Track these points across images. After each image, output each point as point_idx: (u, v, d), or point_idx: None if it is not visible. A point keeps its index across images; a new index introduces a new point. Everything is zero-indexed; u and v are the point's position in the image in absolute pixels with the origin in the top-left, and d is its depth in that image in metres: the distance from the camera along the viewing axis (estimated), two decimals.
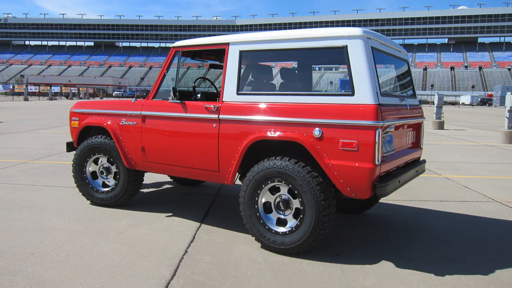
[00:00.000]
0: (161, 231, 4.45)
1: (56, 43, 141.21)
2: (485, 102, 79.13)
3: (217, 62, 5.57)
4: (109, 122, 5.06)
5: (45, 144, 11.06)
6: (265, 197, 4.00)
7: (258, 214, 3.99)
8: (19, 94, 66.75)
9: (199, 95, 4.66)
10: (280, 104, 3.90)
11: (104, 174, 5.28)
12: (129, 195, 5.21)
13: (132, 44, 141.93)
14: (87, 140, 5.26)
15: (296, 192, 3.76)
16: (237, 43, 4.22)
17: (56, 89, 77.82)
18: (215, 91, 5.58)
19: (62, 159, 8.75)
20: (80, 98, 69.72)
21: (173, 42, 4.91)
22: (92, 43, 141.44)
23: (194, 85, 4.75)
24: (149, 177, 6.84)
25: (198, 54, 5.13)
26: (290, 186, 3.79)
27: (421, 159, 4.97)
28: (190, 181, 6.49)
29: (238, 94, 4.15)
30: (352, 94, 3.58)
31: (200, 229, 4.55)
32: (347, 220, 4.99)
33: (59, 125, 16.71)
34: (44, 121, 18.80)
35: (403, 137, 4.40)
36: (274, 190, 3.97)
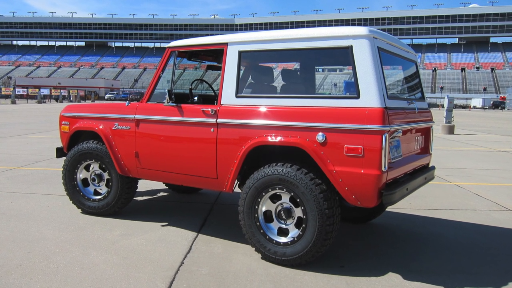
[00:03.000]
0: (156, 242, 4.45)
1: (45, 43, 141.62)
2: (498, 105, 79.28)
3: (215, 63, 5.59)
4: (101, 127, 5.07)
5: (34, 149, 11.06)
6: (265, 205, 4.00)
7: (258, 223, 4.00)
8: (6, 97, 66.95)
9: (196, 98, 4.67)
10: (281, 107, 3.91)
11: (96, 181, 5.28)
12: (122, 204, 5.21)
13: (126, 44, 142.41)
14: (78, 145, 5.26)
15: (298, 200, 3.77)
16: (236, 43, 4.24)
17: (45, 91, 77.90)
18: (213, 93, 5.59)
19: (51, 165, 8.75)
20: (71, 101, 69.78)
21: (169, 42, 4.93)
22: (83, 43, 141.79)
23: (191, 88, 4.77)
24: (143, 185, 6.85)
25: (195, 55, 5.15)
26: (292, 194, 3.80)
27: (430, 165, 4.97)
28: (186, 188, 6.49)
29: (237, 97, 4.16)
30: (358, 97, 3.60)
31: (197, 239, 4.55)
32: (352, 230, 4.99)
33: (48, 130, 16.73)
34: (33, 126, 18.81)
35: (411, 142, 4.41)
36: (275, 198, 3.98)
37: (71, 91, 78.81)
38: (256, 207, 3.99)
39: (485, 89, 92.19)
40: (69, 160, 5.28)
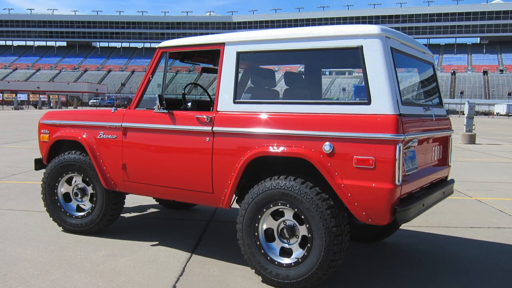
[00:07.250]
0: (145, 263, 4.45)
1: (22, 43, 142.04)
2: None
3: (211, 66, 5.61)
4: (84, 136, 5.09)
5: (10, 161, 11.08)
6: (266, 223, 4.01)
7: (258, 242, 4.00)
8: None
9: (189, 104, 4.69)
10: (284, 114, 3.93)
11: (79, 196, 5.28)
12: (108, 221, 5.21)
13: (112, 44, 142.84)
14: (58, 156, 5.27)
15: (303, 217, 3.77)
16: (234, 43, 4.27)
17: (22, 96, 78.24)
18: (208, 99, 5.62)
19: (29, 178, 8.76)
20: (51, 108, 69.92)
21: (159, 42, 4.96)
22: (64, 43, 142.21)
23: (184, 92, 4.79)
24: (131, 200, 6.85)
25: (189, 56, 5.18)
26: (296, 210, 3.80)
27: (448, 178, 4.98)
28: (179, 204, 6.49)
29: (235, 102, 4.18)
30: (368, 103, 3.61)
31: (191, 260, 4.55)
32: (362, 250, 4.99)
33: (26, 139, 16.75)
34: (9, 134, 18.85)
35: (427, 152, 4.43)
36: (277, 215, 3.98)
37: (51, 96, 79.09)
38: (256, 224, 3.99)
39: (509, 94, 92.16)
40: (49, 172, 5.29)
